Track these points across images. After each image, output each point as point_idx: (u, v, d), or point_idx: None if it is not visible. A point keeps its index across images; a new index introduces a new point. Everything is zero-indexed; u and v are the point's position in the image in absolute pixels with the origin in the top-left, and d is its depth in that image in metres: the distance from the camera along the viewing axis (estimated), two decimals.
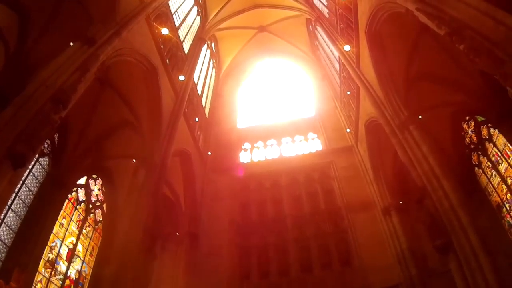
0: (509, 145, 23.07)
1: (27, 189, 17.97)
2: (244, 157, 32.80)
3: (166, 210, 22.84)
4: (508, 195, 24.83)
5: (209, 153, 30.61)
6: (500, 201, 25.77)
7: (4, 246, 16.07)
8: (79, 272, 19.68)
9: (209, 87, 38.11)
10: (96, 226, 22.01)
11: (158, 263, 21.10)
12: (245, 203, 27.31)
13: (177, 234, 23.78)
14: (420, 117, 20.75)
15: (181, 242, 23.44)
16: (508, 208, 25.22)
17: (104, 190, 23.14)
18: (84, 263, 20.19)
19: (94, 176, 22.88)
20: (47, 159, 19.57)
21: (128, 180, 21.39)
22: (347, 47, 25.42)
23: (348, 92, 29.11)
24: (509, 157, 23.84)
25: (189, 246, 23.15)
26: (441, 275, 20.00)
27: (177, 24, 28.20)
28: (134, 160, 20.92)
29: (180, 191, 25.20)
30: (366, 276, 22.56)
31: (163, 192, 21.77)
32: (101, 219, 22.60)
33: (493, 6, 11.56)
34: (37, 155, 17.58)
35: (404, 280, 21.91)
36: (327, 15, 30.95)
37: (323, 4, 31.34)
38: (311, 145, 33.53)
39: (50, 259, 18.41)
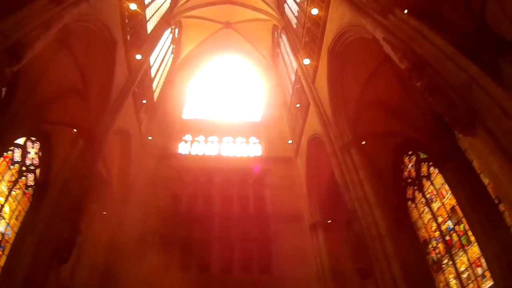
0: (446, 185, 23.96)
1: None
2: (183, 148, 32.48)
3: (97, 187, 22.40)
4: (437, 233, 25.96)
5: (150, 138, 30.18)
6: (428, 237, 26.78)
7: None
8: (2, 235, 18.99)
9: (163, 72, 37.31)
10: (26, 191, 20.75)
11: (81, 238, 20.61)
12: (176, 194, 26.97)
13: (104, 213, 23.35)
14: (363, 142, 21.25)
15: (107, 222, 22.91)
16: (434, 245, 26.37)
17: (40, 155, 21.97)
18: (8, 226, 19.48)
19: (33, 138, 21.55)
20: None
21: (65, 149, 20.64)
22: (306, 61, 25.72)
23: (298, 105, 29.37)
24: (444, 197, 24.84)
25: (115, 227, 22.51)
26: None
27: (146, 2, 27.58)
28: (75, 130, 20.35)
29: (114, 170, 24.70)
30: (283, 285, 22.76)
31: (97, 167, 21.45)
32: (32, 184, 21.37)
33: (459, 53, 11.90)
34: None
35: None
36: (294, 26, 31.14)
37: (294, 14, 31.40)
38: (251, 149, 33.62)
39: None
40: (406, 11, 14.51)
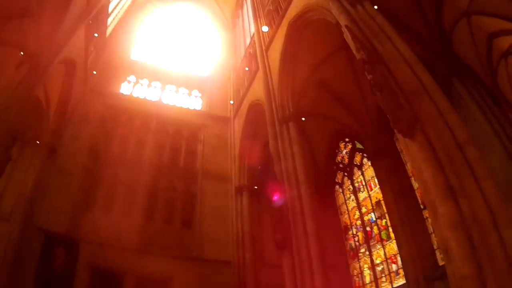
0: (375, 179, 24.76)
1: None
2: (125, 89, 31.61)
3: (34, 114, 21.82)
4: (359, 222, 26.83)
5: (95, 72, 29.41)
6: (349, 224, 27.70)
7: None
8: None
9: (120, 9, 35.53)
10: None
11: (11, 165, 20.02)
12: (111, 133, 26.28)
13: (38, 142, 22.79)
14: (303, 119, 21.52)
15: (38, 152, 22.41)
16: (354, 233, 27.32)
17: None
18: None
19: None
20: None
21: (9, 71, 19.70)
22: (265, 28, 25.61)
23: (247, 68, 29.07)
24: (371, 189, 25.72)
25: (45, 158, 22.07)
26: (272, 267, 21.18)
27: None
28: (22, 53, 19.69)
29: (53, 101, 24.07)
30: (202, 243, 23.11)
31: (38, 95, 20.95)
32: None
33: (419, 61, 12.15)
34: None
35: (236, 260, 22.70)
36: None
37: None
38: (192, 102, 33.27)
39: None
40: (376, 7, 14.60)
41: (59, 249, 19.74)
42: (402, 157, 22.81)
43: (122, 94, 30.49)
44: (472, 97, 18.20)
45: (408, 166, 21.66)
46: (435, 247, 20.37)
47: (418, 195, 21.65)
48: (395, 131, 11.68)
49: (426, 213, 20.49)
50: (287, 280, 16.27)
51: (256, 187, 25.21)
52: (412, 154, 11.36)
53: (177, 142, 28.12)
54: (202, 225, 23.90)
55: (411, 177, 22.01)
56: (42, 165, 21.86)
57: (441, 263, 19.32)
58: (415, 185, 21.32)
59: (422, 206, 21.16)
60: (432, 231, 20.29)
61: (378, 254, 24.56)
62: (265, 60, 23.87)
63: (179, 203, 24.74)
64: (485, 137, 17.33)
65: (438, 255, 19.98)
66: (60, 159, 22.47)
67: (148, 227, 22.89)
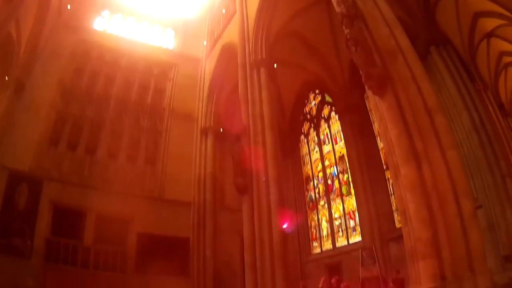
0: (341, 134, 24.86)
1: None
2: (98, 24, 30.26)
3: (4, 49, 20.51)
4: (320, 174, 26.90)
5: (69, 7, 27.85)
6: (311, 175, 27.87)
7: None
8: None
9: None
10: None
11: None
12: (80, 69, 25.16)
13: (6, 78, 21.59)
14: (275, 65, 21.06)
15: (6, 88, 21.27)
16: (315, 184, 27.38)
17: None
18: None
19: None
20: None
21: None
22: None
23: (224, 11, 28.51)
24: (336, 143, 25.70)
25: (13, 95, 21.08)
26: (232, 211, 21.38)
27: None
28: None
29: (25, 35, 22.70)
30: (164, 182, 22.88)
31: (9, 28, 19.69)
32: None
33: (398, 23, 11.91)
34: None
35: (197, 201, 22.74)
36: None
37: None
38: (165, 40, 31.82)
39: None
40: None
41: (22, 187, 19.26)
42: (371, 116, 22.96)
43: (95, 29, 29.02)
44: (447, 69, 18.05)
45: (375, 126, 21.87)
46: (393, 208, 20.44)
47: (382, 155, 22.00)
48: (366, 87, 11.68)
49: (388, 174, 20.56)
50: (245, 224, 16.30)
51: (221, 130, 24.70)
52: (380, 113, 11.51)
53: (146, 79, 27.16)
54: (165, 164, 23.57)
55: (377, 136, 22.30)
56: (9, 102, 20.68)
57: (398, 225, 19.61)
58: (380, 145, 21.55)
59: (385, 167, 21.37)
60: (392, 193, 20.36)
61: (337, 209, 24.81)
62: (244, 3, 22.85)
63: (143, 142, 24.14)
64: (454, 109, 17.50)
65: (396, 217, 20.29)
66: (28, 96, 21.31)
67: (111, 165, 22.43)
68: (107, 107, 23.75)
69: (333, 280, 12.29)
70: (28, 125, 20.42)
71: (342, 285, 11.93)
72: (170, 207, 21.97)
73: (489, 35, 19.37)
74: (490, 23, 18.63)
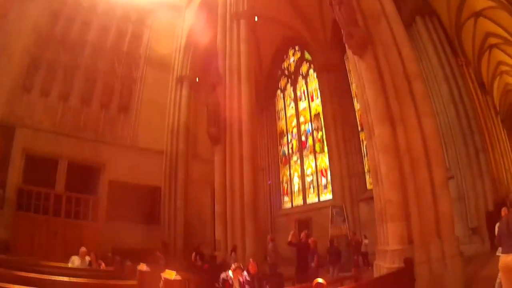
0: (318, 91, 24.72)
1: None
2: None
3: None
4: (295, 130, 26.81)
5: None
6: (285, 130, 27.79)
7: None
8: None
9: None
10: None
11: None
12: (55, 13, 24.10)
13: None
14: (256, 18, 20.51)
15: None
16: (289, 140, 27.34)
17: None
18: None
19: None
20: None
21: None
22: None
23: None
24: (312, 100, 25.53)
25: None
26: (204, 161, 21.31)
27: None
28: None
29: None
30: (137, 130, 22.59)
31: None
32: None
33: None
34: None
35: (169, 151, 22.63)
36: None
37: None
38: None
39: None
40: None
41: None
42: (349, 78, 22.95)
43: None
44: (431, 40, 18.06)
45: (353, 87, 21.92)
46: (366, 170, 20.58)
47: (357, 117, 22.14)
48: (346, 47, 11.48)
49: (362, 136, 20.58)
50: (217, 175, 16.32)
51: (197, 80, 24.23)
52: (358, 73, 11.36)
53: (124, 26, 25.99)
54: (139, 112, 23.07)
55: (354, 97, 22.30)
56: None
57: (369, 187, 19.84)
58: (357, 106, 21.61)
59: (359, 128, 21.40)
60: (365, 155, 20.50)
61: (310, 165, 24.87)
62: None
63: (118, 89, 23.45)
64: (434, 80, 17.65)
65: (368, 179, 20.43)
66: (1, 41, 20.30)
67: (84, 112, 21.77)
68: (82, 53, 22.83)
69: (302, 234, 12.26)
70: (0, 71, 19.49)
71: (310, 240, 11.92)
72: (142, 155, 21.71)
73: (477, 14, 19.14)
74: (479, 3, 18.36)
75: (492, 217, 11.94)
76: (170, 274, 6.25)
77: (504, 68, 24.59)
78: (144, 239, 18.43)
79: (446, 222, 8.97)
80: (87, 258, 11.26)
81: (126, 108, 22.98)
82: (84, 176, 20.35)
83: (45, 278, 6.96)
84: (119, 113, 22.79)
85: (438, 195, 9.02)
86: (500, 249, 6.76)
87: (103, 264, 11.97)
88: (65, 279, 7.27)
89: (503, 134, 23.97)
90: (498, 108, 26.99)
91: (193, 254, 13.48)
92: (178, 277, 6.29)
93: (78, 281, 7.33)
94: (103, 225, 19.69)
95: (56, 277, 7.28)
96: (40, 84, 20.61)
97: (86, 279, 7.86)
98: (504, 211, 7.50)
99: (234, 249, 13.47)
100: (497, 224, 7.39)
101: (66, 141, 19.94)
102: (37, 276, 6.94)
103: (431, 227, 8.87)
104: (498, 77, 25.91)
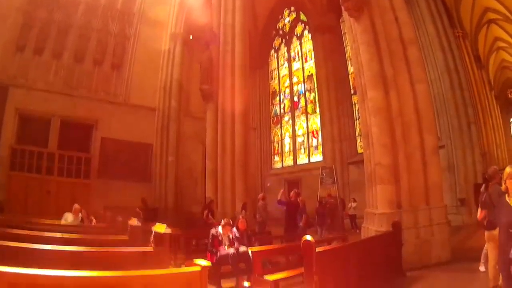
0: (312, 52, 24.50)
1: None
2: None
3: None
4: (288, 90, 26.68)
5: None
6: (277, 90, 27.68)
7: None
8: None
9: None
10: None
11: None
12: None
13: None
14: None
15: None
16: (281, 100, 27.26)
17: None
18: None
19: None
20: None
21: None
22: None
23: None
24: (306, 61, 25.32)
25: None
26: (196, 119, 21.35)
27: None
28: None
29: None
30: (129, 87, 22.25)
31: None
32: None
33: None
34: None
35: (162, 108, 22.37)
36: None
37: None
38: None
39: None
40: None
41: None
42: (344, 41, 22.74)
43: None
44: (428, 8, 17.77)
45: (347, 50, 21.63)
46: (357, 134, 20.64)
47: (351, 80, 21.94)
48: (343, 8, 11.14)
49: (355, 99, 20.52)
50: (209, 131, 16.31)
51: (191, 37, 23.82)
52: (353, 36, 11.19)
53: None
54: (132, 70, 22.69)
55: (348, 61, 22.04)
56: None
57: (360, 151, 19.85)
58: (350, 69, 21.38)
59: (352, 91, 21.25)
60: (357, 118, 20.50)
61: (301, 126, 24.85)
62: None
63: (111, 46, 22.97)
64: (429, 48, 17.55)
65: (359, 143, 20.44)
66: None
67: (78, 70, 21.31)
68: (75, 11, 22.22)
69: (292, 193, 12.33)
70: None
71: (299, 199, 12.01)
72: (134, 112, 21.54)
73: None
74: None
75: (480, 190, 12.01)
76: (161, 228, 6.29)
77: (501, 44, 24.47)
78: (136, 197, 18.46)
79: (435, 189, 9.03)
80: (80, 215, 11.31)
81: (119, 65, 22.59)
82: (76, 134, 20.26)
83: (37, 234, 6.99)
84: (112, 70, 22.38)
85: (428, 162, 9.05)
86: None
87: (94, 220, 12.02)
88: (58, 235, 7.31)
89: (496, 110, 24.03)
90: (492, 83, 26.93)
91: (205, 212, 13.43)
92: (168, 230, 6.34)
93: (70, 236, 7.37)
94: (95, 182, 19.72)
95: (48, 233, 7.31)
96: (34, 43, 20.06)
97: (77, 234, 7.90)
98: (492, 184, 7.57)
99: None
100: (482, 189, 7.46)
101: (59, 99, 19.68)
102: (29, 233, 6.97)
103: (420, 193, 8.94)
104: (494, 53, 25.80)
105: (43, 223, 9.73)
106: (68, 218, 10.98)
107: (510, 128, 31.42)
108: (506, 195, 4.13)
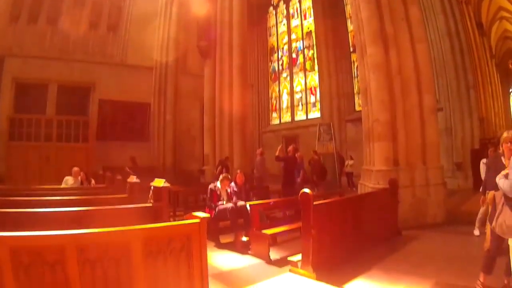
0: (312, 9, 24.12)
1: None
2: None
3: None
4: (286, 47, 26.43)
5: None
6: (276, 47, 27.41)
7: None
8: None
9: None
10: None
11: None
12: None
13: None
14: None
15: None
16: (280, 57, 27.04)
17: None
18: None
19: None
20: None
21: None
22: None
23: None
24: (305, 18, 24.98)
25: None
26: (193, 76, 20.92)
27: None
28: None
29: None
30: (126, 48, 21.97)
31: None
32: None
33: None
34: None
35: (159, 66, 21.94)
36: None
37: None
38: None
39: None
40: None
41: None
42: None
43: None
44: None
45: (347, 8, 21.16)
46: (355, 91, 20.56)
47: (350, 38, 21.57)
48: None
49: (354, 57, 20.29)
50: (207, 88, 16.37)
51: None
52: None
53: None
54: (128, 30, 22.35)
55: (348, 19, 21.67)
56: None
57: (358, 108, 19.82)
58: (350, 27, 21.03)
59: (351, 49, 20.96)
60: (355, 76, 20.39)
61: (299, 83, 24.70)
62: None
63: (107, 8, 22.47)
64: (431, 11, 17.27)
65: (357, 101, 20.36)
66: None
67: (73, 34, 20.88)
68: None
69: (289, 148, 12.35)
70: None
71: (297, 154, 12.04)
72: (132, 72, 21.34)
73: None
74: None
75: (477, 155, 11.94)
76: (159, 182, 6.31)
77: (504, 14, 24.00)
78: (134, 157, 18.51)
79: (432, 149, 9.08)
80: (79, 178, 11.31)
81: (115, 27, 22.22)
82: (74, 98, 20.22)
83: (37, 199, 6.98)
84: (108, 32, 22.05)
85: (426, 121, 9.05)
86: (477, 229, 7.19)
87: (93, 182, 12.03)
88: (57, 198, 7.32)
89: (495, 77, 23.79)
90: (494, 52, 26.58)
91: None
92: (167, 184, 6.37)
93: (69, 198, 7.39)
94: (94, 145, 19.84)
95: (48, 197, 7.31)
96: (28, 12, 19.74)
97: (77, 196, 7.93)
98: (491, 151, 7.61)
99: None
100: (483, 161, 7.49)
101: (55, 65, 19.53)
102: (29, 199, 6.95)
103: (417, 151, 8.97)
104: (497, 22, 25.31)
105: (43, 189, 9.69)
106: (68, 181, 10.96)
107: (510, 97, 31.34)
108: (502, 157, 4.38)
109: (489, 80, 20.84)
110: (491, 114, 19.49)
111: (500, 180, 3.75)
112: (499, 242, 4.19)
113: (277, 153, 11.23)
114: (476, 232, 7.22)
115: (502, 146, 4.32)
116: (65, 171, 11.82)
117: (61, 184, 10.95)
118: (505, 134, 4.32)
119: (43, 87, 19.41)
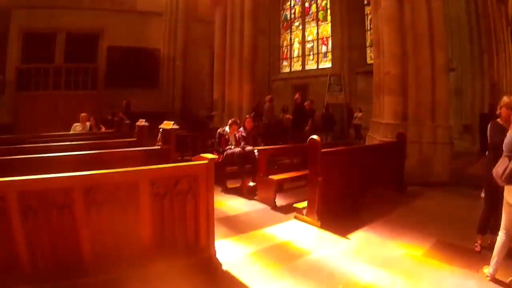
0: None
1: None
2: None
3: None
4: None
5: None
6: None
7: None
8: None
9: None
10: None
11: None
12: None
13: None
14: None
15: None
16: (292, 5, 26.35)
17: None
18: None
19: None
20: None
21: None
22: None
23: None
24: None
25: None
26: (204, 22, 20.16)
27: None
28: None
29: None
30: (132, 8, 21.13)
31: None
32: None
33: None
34: None
35: (169, 11, 21.46)
36: None
37: None
38: None
39: None
40: None
41: None
42: None
43: None
44: None
45: None
46: (367, 44, 20.19)
47: None
48: None
49: (367, 10, 19.75)
50: (217, 35, 16.03)
51: None
52: None
53: None
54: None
55: None
56: None
57: (369, 61, 19.47)
58: None
59: (365, 1, 20.38)
60: (369, 29, 19.95)
61: (311, 32, 24.28)
62: None
63: None
64: None
65: (368, 53, 20.00)
66: None
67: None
68: None
69: (296, 95, 12.26)
70: None
71: (306, 103, 11.96)
72: (141, 18, 20.87)
73: None
74: None
75: (486, 119, 11.69)
76: (168, 125, 6.30)
77: None
78: (144, 103, 18.33)
79: (441, 107, 8.88)
80: (88, 124, 11.25)
81: None
82: (82, 45, 19.87)
83: (45, 146, 6.89)
84: None
85: (437, 78, 8.82)
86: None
87: (103, 128, 11.98)
88: (65, 144, 7.28)
89: (510, 45, 23.13)
90: (510, 19, 25.71)
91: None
92: (176, 126, 6.37)
93: (77, 143, 7.37)
94: (102, 92, 19.67)
95: (56, 144, 7.25)
96: None
97: (85, 141, 7.90)
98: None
99: (285, 109, 13.55)
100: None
101: (63, 13, 19.07)
102: (37, 146, 6.87)
103: (426, 108, 8.80)
104: None
105: (51, 135, 9.55)
106: (77, 128, 10.92)
107: None
108: (499, 119, 4.40)
109: (504, 46, 20.32)
110: (502, 81, 19.09)
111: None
112: (493, 202, 4.37)
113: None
114: (483, 194, 7.19)
115: (500, 109, 4.34)
116: (74, 119, 11.75)
117: (69, 132, 10.93)
118: (505, 98, 4.37)
119: (51, 36, 19.13)
